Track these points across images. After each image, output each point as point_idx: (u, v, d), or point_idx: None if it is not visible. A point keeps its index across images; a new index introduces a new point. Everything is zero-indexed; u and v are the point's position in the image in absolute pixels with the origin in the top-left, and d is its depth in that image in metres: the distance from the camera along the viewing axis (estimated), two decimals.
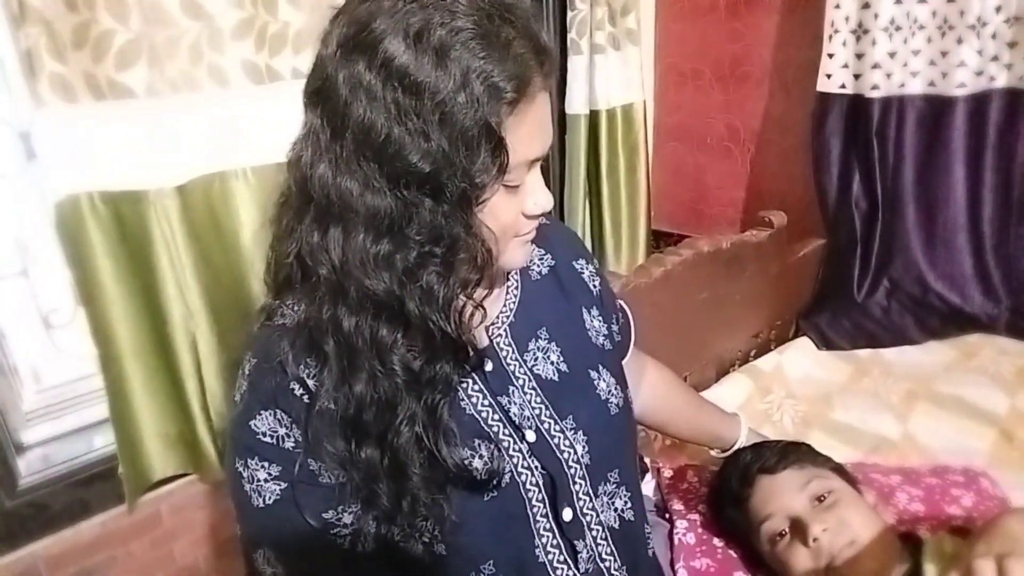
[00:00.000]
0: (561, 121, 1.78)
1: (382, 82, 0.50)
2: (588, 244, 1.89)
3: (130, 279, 1.15)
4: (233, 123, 1.16)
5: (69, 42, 1.01)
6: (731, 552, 0.96)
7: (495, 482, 0.62)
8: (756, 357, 1.55)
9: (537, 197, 0.60)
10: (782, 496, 0.87)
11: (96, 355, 1.17)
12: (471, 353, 0.60)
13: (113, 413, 1.18)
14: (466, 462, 0.60)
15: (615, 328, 0.82)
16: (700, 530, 1.00)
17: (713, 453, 1.08)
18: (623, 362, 0.83)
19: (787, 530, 0.85)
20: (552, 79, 0.57)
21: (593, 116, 1.76)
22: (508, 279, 0.73)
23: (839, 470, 0.93)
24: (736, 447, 1.04)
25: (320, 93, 0.54)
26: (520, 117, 0.54)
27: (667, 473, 1.14)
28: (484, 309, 0.60)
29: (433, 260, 0.55)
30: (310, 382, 0.59)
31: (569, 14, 1.65)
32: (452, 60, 0.50)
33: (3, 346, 1.23)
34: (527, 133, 0.55)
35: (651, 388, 0.98)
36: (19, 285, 1.28)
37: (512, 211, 0.59)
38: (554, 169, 1.81)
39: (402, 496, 0.58)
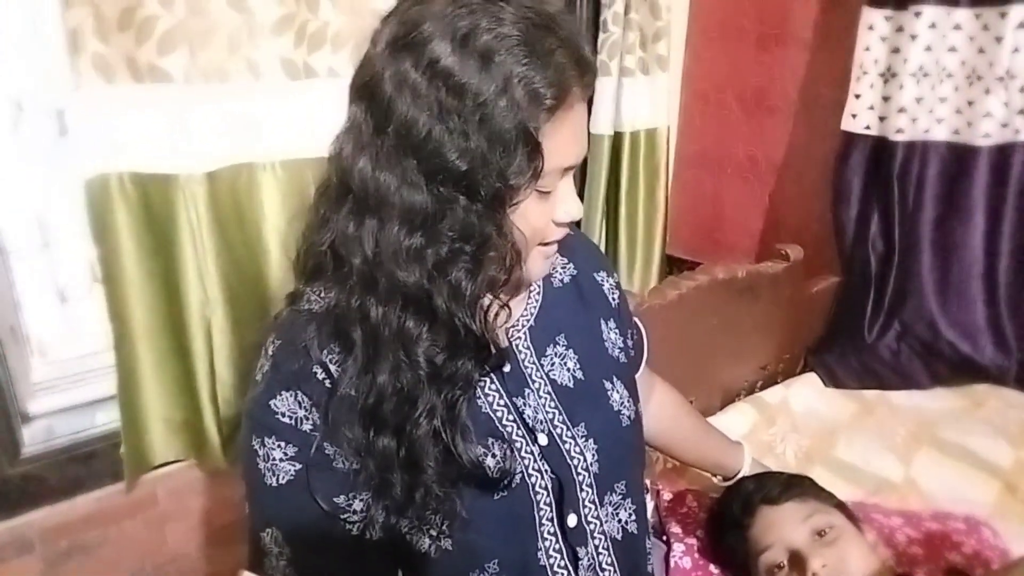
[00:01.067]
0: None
1: (427, 81, 0.52)
2: (607, 257, 1.89)
3: (151, 261, 1.16)
4: (266, 116, 1.18)
5: (115, 24, 1.03)
6: None
7: (506, 481, 0.63)
8: (762, 388, 1.55)
9: (568, 205, 0.61)
10: (783, 528, 0.86)
11: (110, 333, 1.17)
12: (493, 352, 0.61)
13: (121, 393, 1.19)
14: (480, 459, 0.61)
15: (630, 343, 0.83)
16: (697, 555, 1.00)
17: (715, 480, 1.08)
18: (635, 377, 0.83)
19: (785, 563, 0.84)
20: (590, 91, 0.59)
21: (617, 137, 1.77)
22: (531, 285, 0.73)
23: (841, 507, 0.93)
24: (739, 476, 1.03)
25: (366, 88, 0.55)
26: (557, 124, 0.55)
27: (667, 496, 1.14)
28: (509, 309, 0.61)
29: (463, 257, 0.56)
30: (333, 368, 0.60)
31: (601, 36, 1.67)
32: (496, 64, 0.51)
33: (18, 316, 1.24)
34: (563, 140, 0.56)
35: (659, 409, 0.98)
36: (39, 258, 1.30)
37: (542, 217, 0.60)
38: (576, 174, 1.83)
39: (415, 488, 0.58)
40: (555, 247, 0.65)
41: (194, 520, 1.37)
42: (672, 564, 0.98)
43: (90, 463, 1.24)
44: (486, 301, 0.59)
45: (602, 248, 1.88)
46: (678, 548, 1.00)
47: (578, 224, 1.84)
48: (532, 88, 0.52)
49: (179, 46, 1.08)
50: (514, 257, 0.57)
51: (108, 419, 1.26)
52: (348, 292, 0.57)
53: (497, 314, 0.60)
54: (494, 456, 0.62)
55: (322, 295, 0.62)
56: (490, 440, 0.63)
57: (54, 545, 1.22)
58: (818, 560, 0.80)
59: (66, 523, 1.23)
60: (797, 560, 0.83)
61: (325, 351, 0.60)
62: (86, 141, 1.07)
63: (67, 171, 1.19)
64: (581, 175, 1.83)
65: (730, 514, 0.93)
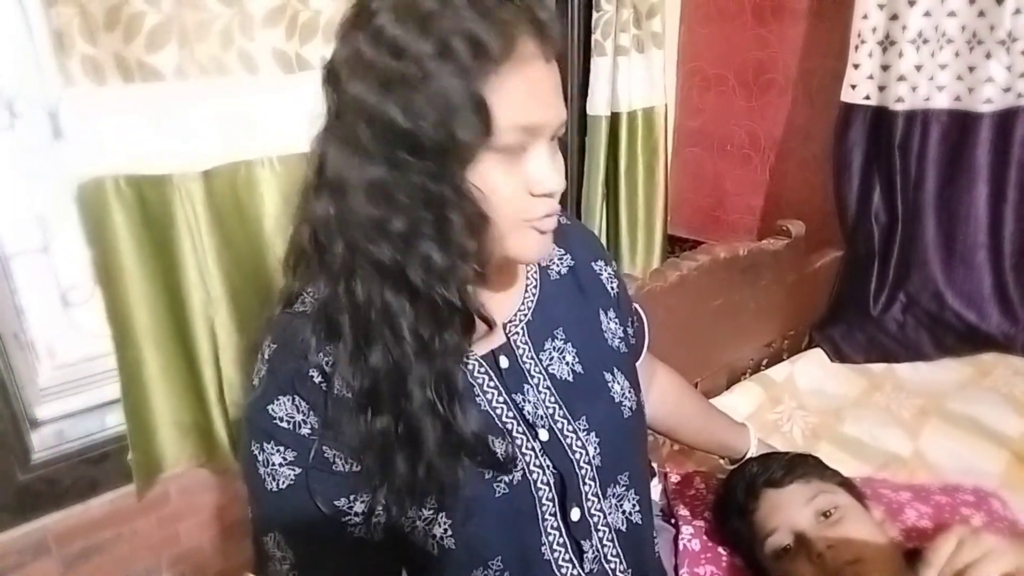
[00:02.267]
0: (582, 122, 1.78)
1: (374, 53, 0.53)
2: (604, 246, 1.88)
3: (151, 262, 1.15)
4: (261, 111, 1.17)
5: (101, 23, 1.02)
6: (736, 560, 0.96)
7: (512, 468, 0.62)
8: (768, 366, 1.54)
9: (539, 173, 0.58)
10: (787, 510, 0.86)
11: (111, 338, 1.17)
12: (477, 321, 0.60)
13: (126, 399, 1.18)
14: (481, 432, 0.61)
15: (630, 331, 0.82)
16: (705, 537, 1.00)
17: (722, 462, 1.08)
18: (636, 365, 0.83)
19: (792, 545, 0.85)
20: (550, 49, 0.57)
21: (614, 118, 1.75)
22: (527, 277, 0.73)
23: (847, 485, 0.93)
24: (745, 458, 1.03)
25: (329, 76, 0.57)
26: (509, 78, 0.54)
27: (674, 478, 1.14)
28: (480, 271, 0.59)
29: (424, 224, 0.55)
30: (328, 369, 0.60)
31: (594, 15, 1.65)
32: (437, 24, 0.52)
33: (21, 321, 1.24)
34: (517, 97, 0.54)
35: (662, 393, 0.98)
36: (40, 262, 1.30)
37: (511, 186, 0.58)
38: (572, 169, 1.81)
39: (417, 463, 0.58)
40: (549, 224, 0.61)
41: (206, 517, 1.38)
42: (681, 547, 0.98)
43: (102, 465, 1.25)
44: (462, 271, 0.57)
45: (603, 230, 1.87)
46: (687, 531, 1.00)
47: (578, 207, 1.85)
48: (474, 41, 0.52)
49: (168, 42, 1.07)
50: (480, 220, 0.56)
51: (118, 421, 1.27)
52: (334, 280, 0.58)
53: (476, 281, 0.59)
54: (494, 454, 0.62)
55: (315, 296, 0.61)
56: (490, 437, 0.63)
57: (70, 547, 1.24)
58: (823, 542, 0.80)
59: (81, 525, 1.25)
60: (803, 542, 0.83)
61: (321, 353, 0.59)
62: (80, 143, 1.06)
63: (63, 174, 1.18)
64: (580, 157, 1.82)
65: (735, 499, 0.93)
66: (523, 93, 0.55)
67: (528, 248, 0.62)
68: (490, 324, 0.62)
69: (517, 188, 0.58)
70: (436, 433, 0.58)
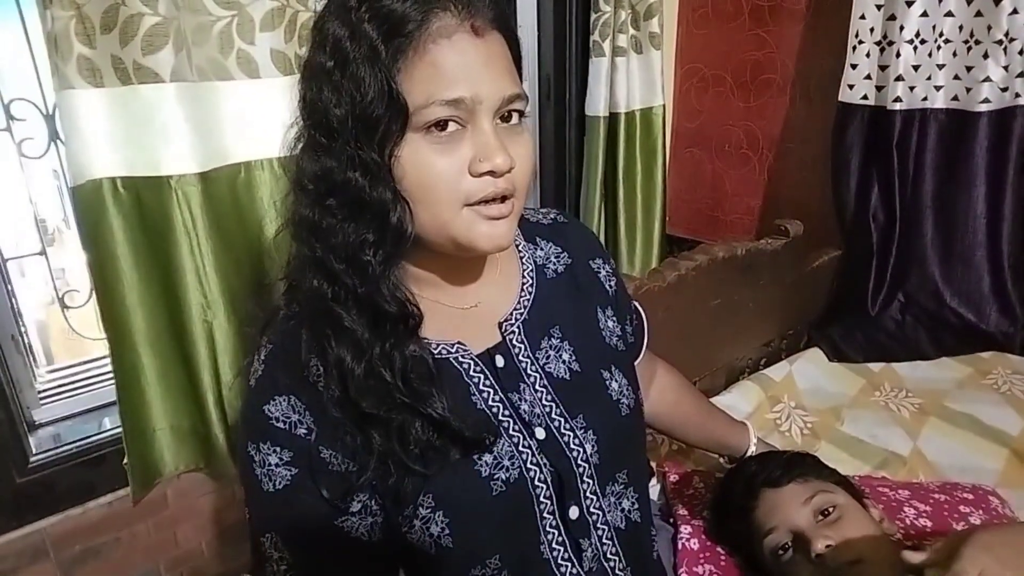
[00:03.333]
0: (580, 123, 1.78)
1: (320, 56, 0.56)
2: (603, 244, 1.88)
3: (148, 265, 1.15)
4: (259, 112, 1.17)
5: (98, 25, 1.02)
6: (734, 560, 0.96)
7: (489, 442, 0.63)
8: (767, 366, 1.54)
9: (480, 151, 0.55)
10: (785, 510, 0.86)
11: (107, 343, 1.16)
12: (390, 307, 0.59)
13: (122, 403, 1.18)
14: (474, 456, 0.62)
15: (629, 329, 0.82)
16: (704, 536, 1.00)
17: (722, 461, 1.08)
18: (635, 364, 0.83)
19: (790, 544, 0.84)
20: (479, 21, 0.56)
21: (612, 119, 1.76)
22: (523, 276, 0.72)
23: (845, 484, 0.93)
24: (745, 457, 1.03)
25: (299, 84, 0.59)
26: (423, 54, 0.54)
27: (673, 478, 1.14)
28: (391, 256, 0.59)
29: (331, 211, 0.57)
30: (320, 368, 0.60)
31: (592, 16, 1.65)
32: (356, 13, 0.54)
33: (19, 324, 1.24)
34: (438, 72, 0.54)
35: (661, 392, 0.98)
36: (38, 265, 1.30)
37: (446, 166, 0.56)
38: (571, 170, 1.81)
39: (404, 433, 0.60)
40: (496, 211, 0.58)
41: (204, 520, 1.38)
42: (680, 546, 0.98)
43: (99, 468, 1.25)
44: (373, 260, 0.58)
45: (602, 230, 1.88)
46: (685, 530, 1.00)
47: (576, 208, 1.86)
48: (385, 21, 0.53)
49: (165, 44, 1.07)
50: (400, 214, 0.56)
51: (115, 423, 1.27)
52: (309, 278, 0.60)
53: (386, 273, 0.59)
54: (492, 452, 0.62)
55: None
56: (486, 437, 0.63)
57: (67, 551, 1.24)
58: (822, 541, 0.80)
59: (78, 528, 1.24)
60: (801, 542, 0.82)
61: (313, 353, 0.60)
62: (76, 146, 1.06)
63: (61, 177, 1.18)
64: (578, 159, 1.82)
65: (733, 498, 0.93)
66: (444, 69, 0.54)
67: (478, 235, 0.58)
68: (416, 318, 0.61)
69: (453, 167, 0.56)
70: (401, 417, 0.60)
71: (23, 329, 1.25)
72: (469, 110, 0.55)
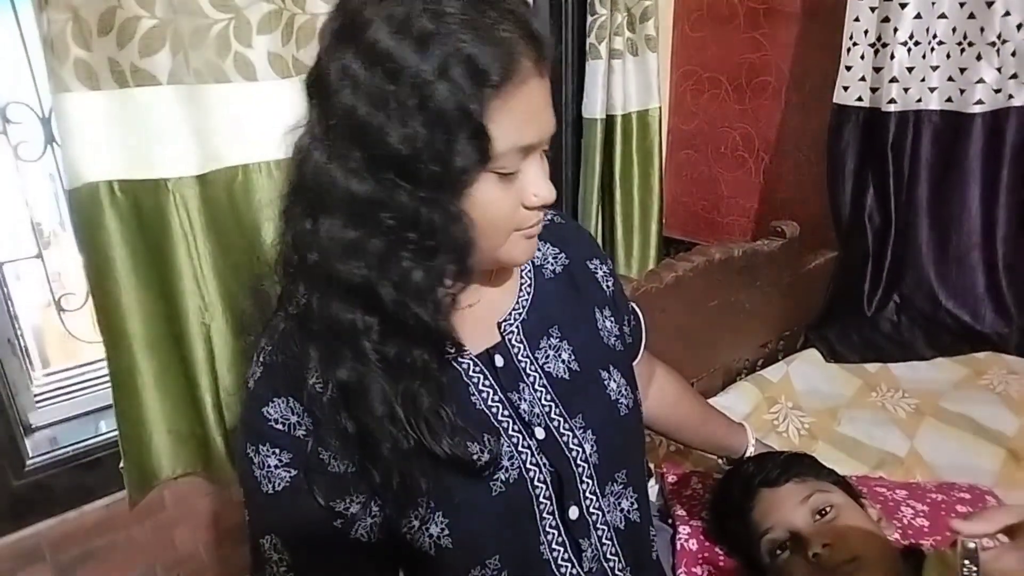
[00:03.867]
0: (577, 125, 1.79)
1: (366, 69, 0.51)
2: (600, 245, 1.89)
3: (145, 268, 1.14)
4: (257, 116, 1.16)
5: (94, 28, 1.02)
6: (732, 560, 0.96)
7: (492, 471, 0.62)
8: (763, 367, 1.54)
9: (536, 188, 0.59)
10: (783, 509, 0.87)
11: (103, 346, 1.15)
12: (448, 344, 0.60)
13: (118, 407, 1.17)
14: (474, 456, 0.61)
15: (626, 330, 0.82)
16: (702, 537, 1.00)
17: (720, 463, 1.08)
18: (633, 364, 0.83)
19: (787, 543, 0.85)
20: (546, 66, 0.56)
21: (609, 121, 1.76)
22: (521, 276, 0.73)
23: (842, 484, 0.93)
24: (743, 458, 1.03)
25: (315, 84, 0.55)
26: (507, 102, 0.53)
27: (671, 479, 1.14)
28: (455, 299, 0.59)
29: (408, 246, 0.55)
30: (315, 370, 0.59)
31: (589, 19, 1.66)
32: (434, 45, 0.50)
33: (15, 327, 1.24)
34: (516, 119, 0.54)
35: (660, 393, 0.98)
36: (34, 268, 1.30)
37: (508, 202, 0.58)
38: (568, 173, 1.82)
39: (390, 474, 0.58)
40: (537, 230, 0.62)
41: (202, 523, 1.38)
42: (678, 546, 0.98)
43: (96, 471, 1.25)
44: (440, 292, 0.58)
45: (599, 232, 1.88)
46: (684, 531, 1.00)
47: (574, 210, 1.86)
48: (474, 66, 0.51)
49: (162, 47, 1.07)
50: (467, 246, 0.56)
51: (112, 427, 1.26)
52: (310, 288, 0.58)
53: (451, 305, 0.59)
54: (490, 452, 0.62)
55: (304, 297, 0.61)
56: (485, 437, 0.63)
57: (64, 554, 1.23)
58: (819, 540, 0.80)
59: (75, 531, 1.24)
60: (799, 541, 0.83)
61: (311, 354, 0.59)
62: (73, 149, 1.06)
63: (57, 180, 1.18)
64: (575, 160, 1.82)
65: (731, 498, 0.93)
66: (521, 115, 0.55)
67: (518, 253, 0.62)
68: (459, 347, 0.61)
69: (512, 203, 0.58)
70: (405, 447, 0.58)
71: (19, 332, 1.25)
72: (530, 151, 0.58)
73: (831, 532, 0.81)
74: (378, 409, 0.57)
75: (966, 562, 0.59)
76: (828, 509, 0.84)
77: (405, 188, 0.53)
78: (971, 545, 0.59)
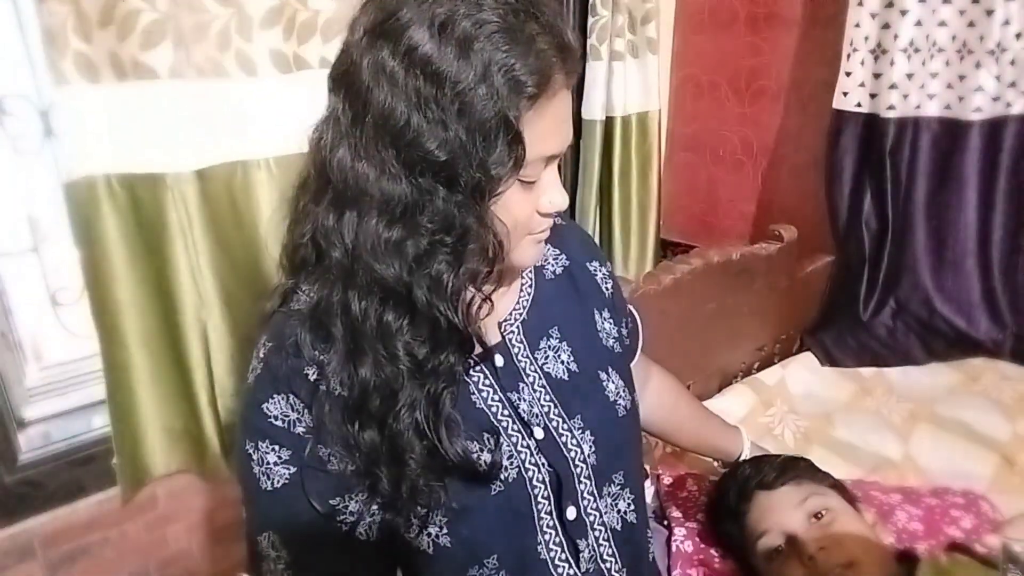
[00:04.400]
0: (577, 126, 1.79)
1: (404, 69, 0.51)
2: (599, 247, 1.89)
3: (142, 263, 1.14)
4: (257, 111, 1.16)
5: (95, 20, 1.01)
6: (728, 562, 0.96)
7: (495, 474, 0.62)
8: (759, 370, 1.55)
9: (552, 195, 0.60)
10: (779, 513, 0.87)
11: (98, 341, 1.15)
12: (476, 345, 0.60)
13: (112, 402, 1.16)
14: (473, 456, 0.60)
15: (624, 332, 0.82)
16: (698, 539, 1.00)
17: (716, 465, 1.08)
18: (631, 366, 0.83)
19: (783, 546, 0.85)
20: (574, 78, 0.58)
21: (609, 122, 1.76)
22: (522, 276, 0.73)
23: (838, 487, 0.93)
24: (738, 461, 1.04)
25: (344, 78, 0.54)
26: (539, 113, 0.54)
27: (667, 480, 1.14)
28: (491, 302, 0.60)
29: (443, 249, 0.55)
30: (325, 367, 0.59)
31: (590, 20, 1.66)
32: (475, 52, 0.50)
33: (10, 321, 1.23)
34: (545, 129, 0.55)
35: (656, 396, 0.98)
36: (29, 262, 1.29)
37: (526, 207, 0.59)
38: (567, 173, 1.82)
39: (401, 482, 0.58)
40: (546, 234, 0.64)
41: (194, 520, 1.37)
42: (674, 548, 0.98)
43: (89, 467, 1.24)
44: (468, 294, 0.58)
45: (596, 233, 1.88)
46: (679, 532, 1.00)
47: (572, 210, 1.86)
48: (512, 76, 0.51)
49: (163, 40, 1.06)
50: (496, 249, 0.56)
51: (105, 422, 1.25)
52: (330, 286, 0.57)
53: (480, 307, 0.59)
54: (491, 452, 0.62)
55: (309, 294, 0.61)
56: (486, 436, 0.63)
57: (56, 550, 1.22)
58: (815, 544, 0.80)
59: (67, 528, 1.23)
60: (794, 545, 0.83)
61: (316, 351, 0.59)
62: (71, 142, 1.05)
63: (54, 173, 1.17)
64: (574, 160, 1.82)
65: (727, 501, 0.93)
66: (551, 126, 0.56)
67: (527, 256, 0.64)
68: (487, 349, 0.62)
69: (529, 209, 0.60)
70: (421, 454, 0.58)
71: (13, 326, 1.24)
72: (552, 160, 0.59)
73: (827, 536, 0.82)
74: (403, 411, 0.57)
75: (1010, 565, 0.60)
76: (824, 512, 0.85)
77: (441, 192, 0.53)
78: (1017, 549, 0.60)
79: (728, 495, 0.94)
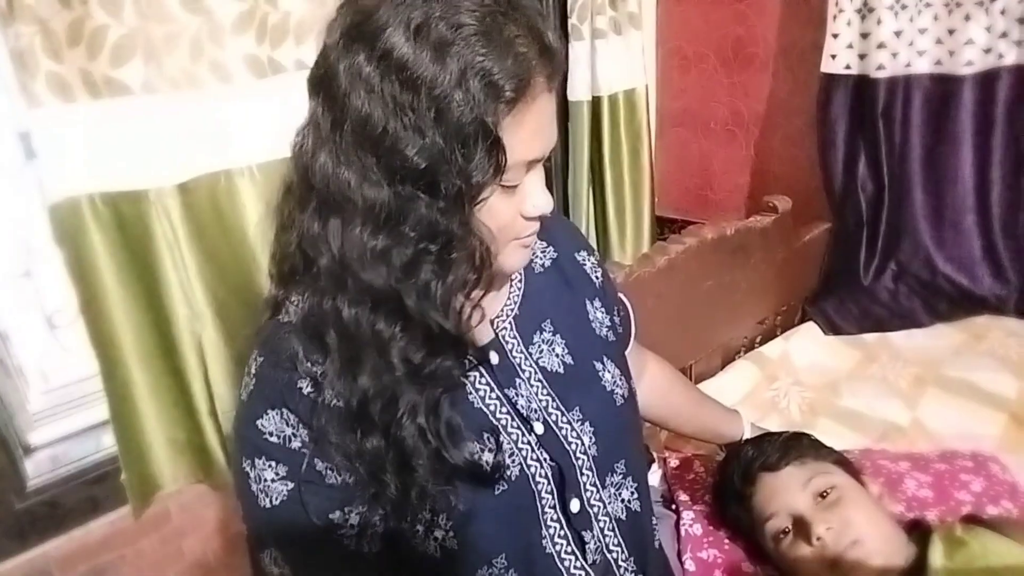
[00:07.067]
0: (564, 108, 1.76)
1: (380, 74, 0.50)
2: (592, 232, 1.87)
3: (133, 281, 1.14)
4: (235, 119, 1.15)
5: (64, 40, 1.00)
6: (738, 543, 0.96)
7: (499, 475, 0.62)
8: (762, 344, 1.54)
9: (536, 199, 0.59)
10: (784, 494, 0.87)
11: (97, 360, 1.15)
12: (470, 350, 0.60)
13: (115, 420, 1.16)
14: (475, 456, 0.60)
15: (617, 320, 0.82)
16: (707, 521, 1.00)
17: (717, 450, 1.08)
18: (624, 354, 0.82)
19: (790, 528, 0.85)
20: (556, 81, 0.56)
21: (596, 102, 1.74)
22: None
23: (842, 462, 0.92)
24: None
25: (322, 82, 0.53)
26: (519, 117, 0.53)
27: (673, 463, 1.14)
28: (482, 308, 0.60)
29: (428, 257, 0.54)
30: (319, 379, 0.58)
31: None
32: (451, 56, 0.49)
33: (7, 347, 1.23)
34: (526, 134, 0.54)
35: (651, 383, 0.97)
36: (23, 286, 1.28)
37: (509, 212, 0.58)
38: (557, 158, 1.80)
39: (409, 487, 0.58)
40: (532, 239, 0.63)
41: (209, 530, 1.38)
42: (683, 532, 0.98)
43: (101, 486, 1.24)
44: (459, 302, 0.57)
45: (590, 216, 1.86)
46: (688, 516, 1.00)
47: (564, 194, 1.84)
48: (490, 80, 0.50)
49: (133, 56, 1.05)
50: (484, 255, 0.56)
51: (114, 440, 1.26)
52: (320, 294, 0.56)
53: (471, 315, 0.58)
54: (491, 451, 0.62)
55: (299, 305, 0.60)
56: (486, 435, 0.62)
57: (73, 571, 1.23)
58: (822, 525, 0.80)
59: (82, 548, 1.24)
60: (801, 526, 0.82)
61: (309, 363, 0.58)
62: (52, 163, 1.04)
63: (40, 195, 1.16)
64: (563, 144, 1.80)
65: (731, 484, 0.93)
66: (532, 131, 0.55)
67: (513, 261, 0.63)
68: (481, 348, 0.62)
69: (512, 213, 0.58)
70: (427, 459, 0.57)
71: (11, 352, 1.24)
72: (535, 164, 0.58)
73: (833, 515, 0.81)
74: (404, 417, 0.56)
75: None
76: (829, 491, 0.84)
77: (423, 199, 0.52)
78: None
79: (733, 478, 0.93)
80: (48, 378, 1.32)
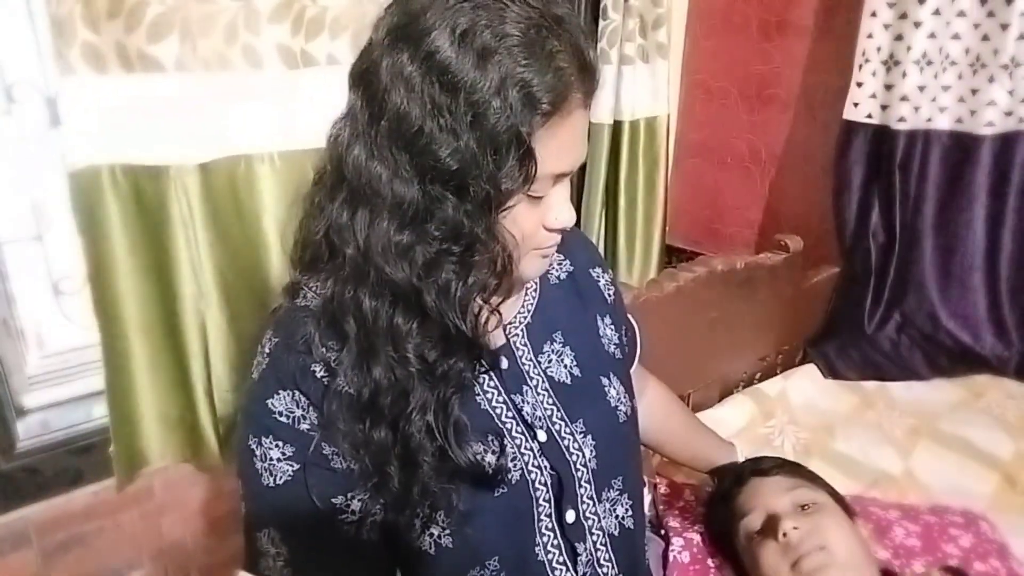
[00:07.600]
0: None
1: (422, 75, 0.51)
2: (601, 254, 1.88)
3: (143, 254, 1.14)
4: (263, 106, 1.16)
5: (104, 11, 1.01)
6: (724, 573, 0.96)
7: (501, 478, 0.62)
8: (761, 380, 1.54)
9: (560, 212, 0.60)
10: (767, 496, 0.87)
11: (99, 330, 1.15)
12: (483, 353, 0.60)
13: (110, 390, 1.16)
14: (479, 457, 0.60)
15: (624, 339, 0.82)
16: (695, 550, 0.99)
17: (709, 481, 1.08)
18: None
19: (762, 527, 0.84)
20: (592, 98, 0.57)
21: (616, 127, 1.75)
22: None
23: (836, 496, 0.92)
24: None
25: (363, 76, 0.55)
26: (553, 130, 0.54)
27: (663, 489, 1.14)
28: (500, 314, 0.60)
29: (450, 258, 0.55)
30: (333, 365, 0.59)
31: (601, 23, 1.65)
32: (493, 64, 0.50)
33: (12, 309, 1.23)
34: (558, 147, 0.55)
35: (651, 406, 0.98)
36: (33, 250, 1.29)
37: (533, 222, 0.59)
38: (573, 177, 1.81)
39: (412, 483, 0.58)
40: (552, 250, 0.64)
41: (190, 511, 1.37)
42: (671, 558, 0.97)
43: (86, 456, 1.24)
44: (477, 304, 0.58)
45: (601, 237, 1.87)
46: (677, 542, 0.99)
47: (577, 213, 1.84)
48: (528, 91, 0.51)
49: (170, 33, 1.06)
50: (505, 261, 0.56)
51: (104, 412, 1.25)
52: (342, 282, 0.57)
53: (488, 319, 0.59)
54: (494, 453, 0.62)
55: (319, 290, 0.60)
56: (490, 437, 0.63)
57: (51, 538, 1.22)
58: (790, 522, 0.80)
59: (62, 516, 1.23)
60: (771, 523, 0.82)
61: (325, 348, 0.59)
62: (77, 132, 1.05)
63: (60, 162, 1.17)
64: (580, 165, 1.82)
65: (722, 486, 0.94)
66: (565, 144, 0.56)
67: (531, 270, 0.64)
68: (493, 352, 0.62)
69: (535, 223, 0.59)
70: (433, 456, 0.58)
71: (15, 313, 1.24)
72: (563, 177, 0.59)
73: (806, 521, 0.81)
74: (414, 413, 0.57)
75: None
76: (811, 504, 0.84)
77: (450, 200, 0.53)
78: None
79: (725, 480, 0.94)
80: (47, 343, 1.32)
